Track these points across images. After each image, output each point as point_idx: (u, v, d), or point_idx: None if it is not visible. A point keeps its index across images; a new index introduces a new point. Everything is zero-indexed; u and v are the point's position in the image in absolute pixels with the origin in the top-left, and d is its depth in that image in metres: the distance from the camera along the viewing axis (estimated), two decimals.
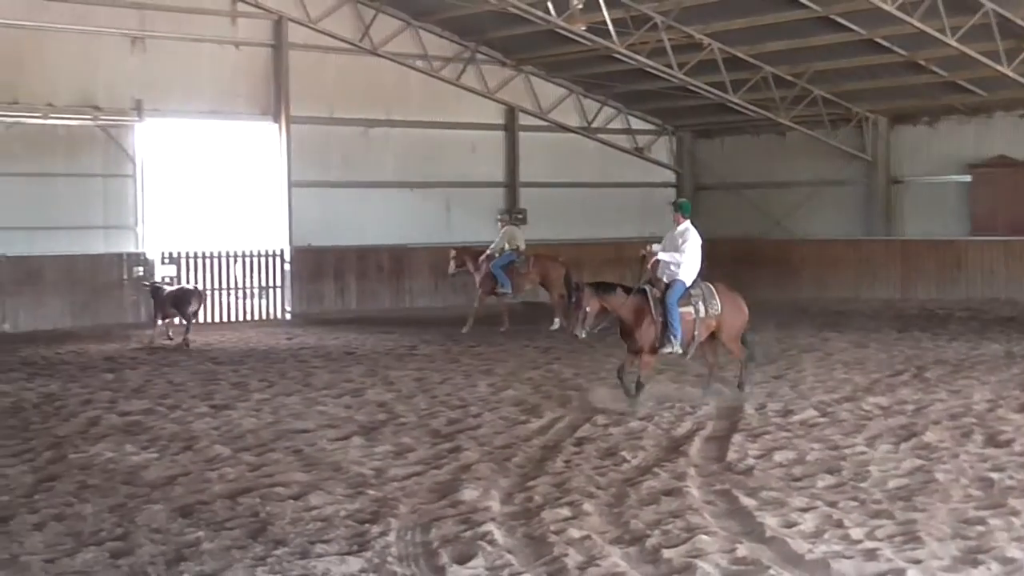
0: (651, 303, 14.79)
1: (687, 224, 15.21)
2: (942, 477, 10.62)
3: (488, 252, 24.63)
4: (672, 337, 14.74)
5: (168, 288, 23.16)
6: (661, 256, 14.98)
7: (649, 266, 15.08)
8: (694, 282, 15.00)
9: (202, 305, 23.13)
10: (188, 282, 24.82)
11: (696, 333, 14.94)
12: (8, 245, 24.72)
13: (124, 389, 16.65)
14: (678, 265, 14.90)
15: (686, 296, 14.86)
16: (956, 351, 19.87)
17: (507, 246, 24.58)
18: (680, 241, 15.04)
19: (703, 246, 15.25)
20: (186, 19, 26.85)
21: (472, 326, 24.05)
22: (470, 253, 25.01)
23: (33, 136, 25.39)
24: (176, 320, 22.77)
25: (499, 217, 25.46)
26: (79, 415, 14.50)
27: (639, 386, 14.80)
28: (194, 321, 22.76)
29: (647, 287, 14.96)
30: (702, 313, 14.91)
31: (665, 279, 14.99)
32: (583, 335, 14.95)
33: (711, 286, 15.18)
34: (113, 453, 12.16)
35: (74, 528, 9.30)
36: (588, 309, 14.71)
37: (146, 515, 9.59)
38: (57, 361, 19.99)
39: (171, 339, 22.36)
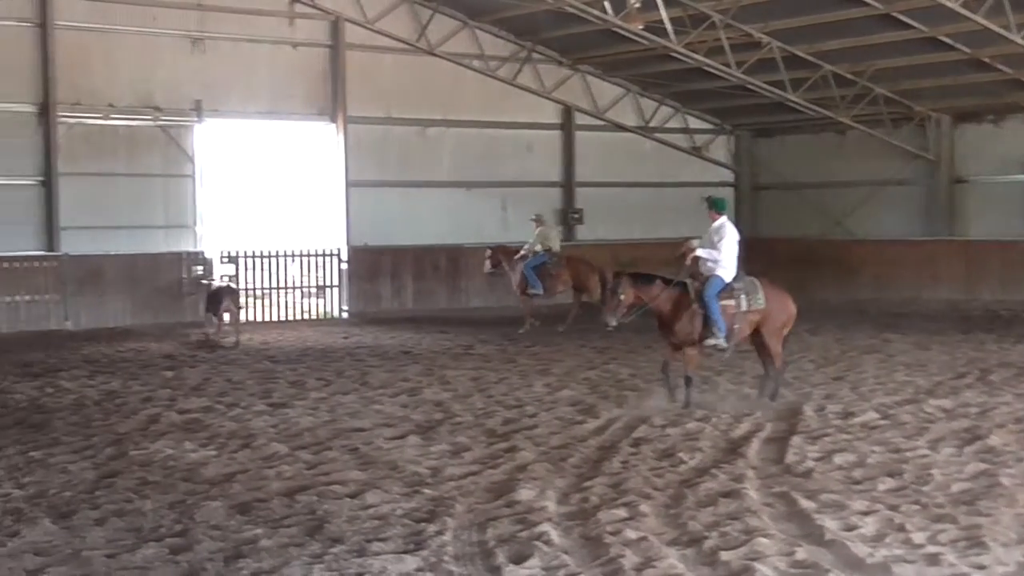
0: (692, 296, 14.61)
1: (723, 220, 15.00)
2: (1007, 481, 10.46)
3: (522, 252, 24.64)
4: (716, 330, 14.50)
5: (212, 286, 23.59)
6: (699, 252, 14.73)
7: (688, 262, 14.82)
8: (737, 275, 14.75)
9: (235, 302, 22.94)
10: (235, 281, 25.03)
11: (737, 327, 14.65)
12: (71, 244, 25.04)
13: (183, 387, 16.79)
14: (716, 261, 14.66)
15: (728, 289, 14.61)
16: (1021, 353, 19.58)
17: (540, 247, 24.53)
18: (716, 238, 14.83)
19: (742, 241, 15.10)
20: (245, 20, 27.06)
21: (529, 327, 23.99)
22: (506, 253, 25.03)
23: (94, 136, 25.70)
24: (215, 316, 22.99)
25: (533, 218, 25.35)
26: (139, 412, 14.63)
27: (688, 381, 14.68)
28: (233, 319, 22.64)
29: (688, 280, 14.76)
30: (743, 307, 14.63)
31: (705, 274, 14.79)
32: (614, 324, 14.81)
33: (756, 280, 14.93)
34: (173, 450, 12.26)
35: (134, 524, 9.39)
36: (623, 298, 14.59)
37: (205, 512, 9.66)
38: (118, 359, 20.19)
39: (207, 335, 22.69)
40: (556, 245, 24.78)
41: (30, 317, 24.25)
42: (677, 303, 14.61)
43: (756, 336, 15.05)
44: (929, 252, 30.10)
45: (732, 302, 14.61)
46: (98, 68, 25.60)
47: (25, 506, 9.97)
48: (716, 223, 14.97)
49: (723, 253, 14.70)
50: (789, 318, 15.19)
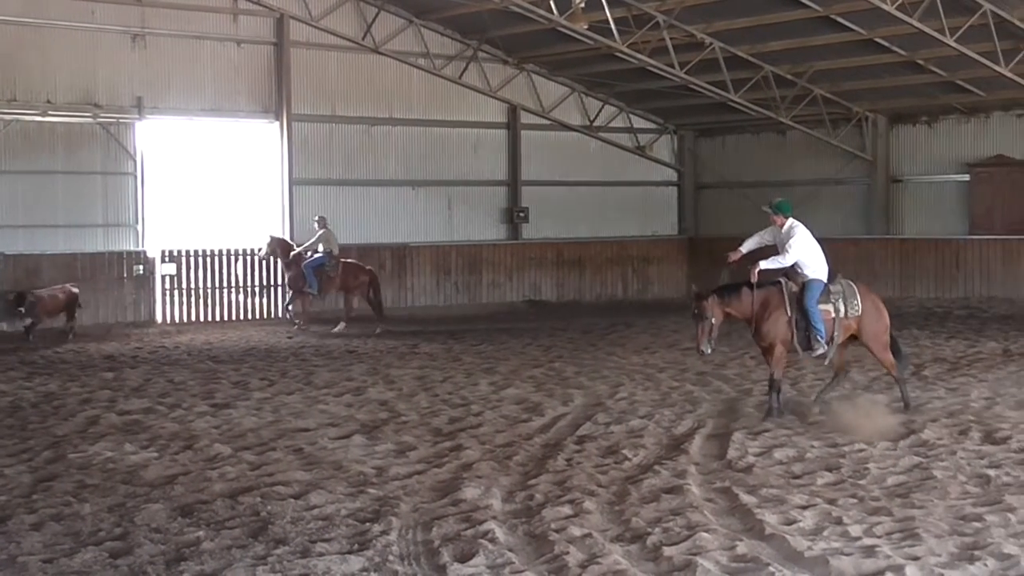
0: (786, 298, 13.65)
1: (791, 222, 13.93)
2: (940, 474, 10.66)
3: (298, 250, 25.18)
4: (818, 338, 13.58)
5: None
6: (763, 265, 13.61)
7: (754, 279, 13.60)
8: (832, 278, 13.87)
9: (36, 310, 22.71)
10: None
11: (836, 334, 13.71)
12: (7, 243, 24.74)
13: (124, 388, 16.64)
14: (804, 267, 13.71)
15: (825, 293, 13.71)
16: (954, 349, 19.93)
17: (321, 248, 25.02)
18: (785, 240, 13.79)
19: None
20: (187, 16, 26.86)
21: (297, 329, 24.63)
22: (284, 247, 25.62)
23: (32, 134, 25.39)
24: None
25: (316, 219, 25.57)
26: (78, 414, 14.48)
27: (772, 384, 13.76)
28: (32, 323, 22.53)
29: (783, 280, 13.81)
30: (842, 312, 13.72)
31: (802, 279, 13.77)
32: (709, 351, 13.58)
33: (853, 284, 14.02)
34: (112, 452, 12.15)
35: (73, 528, 9.29)
36: (714, 321, 13.45)
37: (146, 515, 9.58)
38: (56, 360, 19.97)
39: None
40: (336, 248, 25.22)
41: None
42: (766, 302, 13.61)
43: (846, 345, 14.16)
44: (866, 250, 30.41)
45: (829, 307, 13.71)
46: (35, 64, 25.26)
47: None
48: (785, 227, 13.93)
49: (792, 254, 13.64)
50: (885, 326, 14.14)
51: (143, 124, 26.58)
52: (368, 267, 25.57)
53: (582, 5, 24.61)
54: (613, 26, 25.26)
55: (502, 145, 31.82)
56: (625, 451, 11.90)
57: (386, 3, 28.80)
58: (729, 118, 32.04)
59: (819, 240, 14.18)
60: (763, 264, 13.67)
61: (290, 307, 25.58)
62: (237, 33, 27.73)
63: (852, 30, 25.26)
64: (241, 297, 27.51)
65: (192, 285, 26.43)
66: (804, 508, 9.54)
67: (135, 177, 26.57)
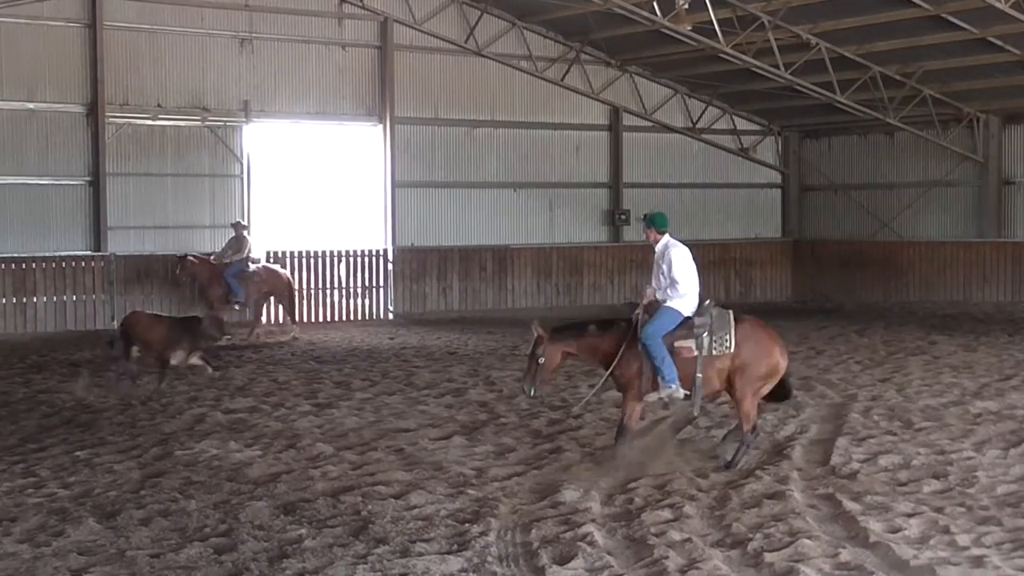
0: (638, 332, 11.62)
1: (666, 240, 11.88)
2: None
3: (213, 259, 24.13)
4: (662, 378, 11.36)
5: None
6: (660, 296, 11.65)
7: (643, 312, 11.64)
8: (701, 309, 11.61)
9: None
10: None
11: (700, 374, 11.45)
12: (119, 244, 25.30)
13: (229, 387, 16.89)
14: (672, 294, 11.62)
15: (687, 327, 11.49)
16: None
17: (239, 254, 23.87)
18: (665, 268, 11.71)
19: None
20: (293, 21, 27.22)
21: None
22: (202, 265, 24.10)
23: (143, 137, 25.93)
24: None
25: (233, 224, 24.61)
26: (185, 412, 14.74)
27: (620, 431, 11.73)
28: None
29: (637, 314, 11.68)
30: (705, 349, 11.45)
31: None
32: (532, 393, 11.84)
33: (729, 316, 11.60)
34: (218, 450, 12.36)
35: (179, 524, 9.47)
36: (542, 360, 11.62)
37: (249, 512, 9.72)
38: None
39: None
40: (254, 252, 24.49)
41: (77, 317, 24.52)
42: (618, 342, 11.64)
43: (731, 388, 11.74)
44: (977, 254, 29.86)
45: (690, 343, 11.46)
46: (146, 68, 25.83)
47: (70, 506, 10.10)
48: (659, 246, 11.88)
49: (682, 285, 11.58)
50: (771, 370, 11.69)
51: (250, 127, 26.98)
52: (284, 271, 24.93)
53: (686, 6, 24.49)
54: (717, 27, 25.10)
55: (604, 147, 31.72)
56: (726, 456, 11.78)
57: (489, 6, 28.88)
58: (835, 119, 31.60)
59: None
60: (660, 296, 11.67)
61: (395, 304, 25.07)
62: (342, 37, 28.03)
63: (964, 29, 24.77)
64: (344, 298, 27.75)
65: (296, 286, 26.67)
66: (910, 516, 9.37)
67: (242, 179, 27.01)
